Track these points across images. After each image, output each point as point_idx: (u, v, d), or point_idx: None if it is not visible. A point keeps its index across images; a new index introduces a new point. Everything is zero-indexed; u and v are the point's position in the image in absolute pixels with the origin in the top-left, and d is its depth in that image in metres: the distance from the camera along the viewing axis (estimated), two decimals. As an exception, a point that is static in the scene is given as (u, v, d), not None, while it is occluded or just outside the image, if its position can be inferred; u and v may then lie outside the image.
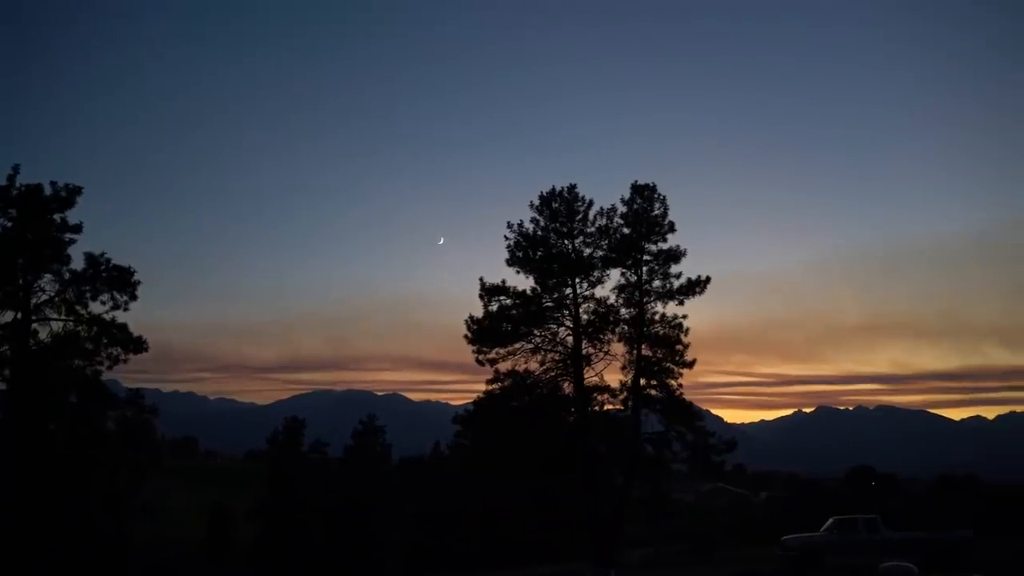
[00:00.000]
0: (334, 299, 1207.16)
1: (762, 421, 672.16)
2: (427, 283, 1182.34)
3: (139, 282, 34.43)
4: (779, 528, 39.01)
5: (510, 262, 35.84)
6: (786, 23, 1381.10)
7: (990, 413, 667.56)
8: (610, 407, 36.20)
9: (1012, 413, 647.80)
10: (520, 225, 35.90)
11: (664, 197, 35.75)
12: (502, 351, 34.98)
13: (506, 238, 35.93)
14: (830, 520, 32.54)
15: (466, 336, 35.30)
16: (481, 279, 35.52)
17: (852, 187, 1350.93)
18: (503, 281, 35.33)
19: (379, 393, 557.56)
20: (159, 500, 48.18)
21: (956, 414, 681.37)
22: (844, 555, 29.36)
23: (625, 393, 35.13)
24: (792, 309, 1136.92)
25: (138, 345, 34.30)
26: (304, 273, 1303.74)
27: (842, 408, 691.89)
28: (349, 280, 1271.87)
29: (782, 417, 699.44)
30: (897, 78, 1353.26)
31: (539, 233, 35.85)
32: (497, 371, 34.99)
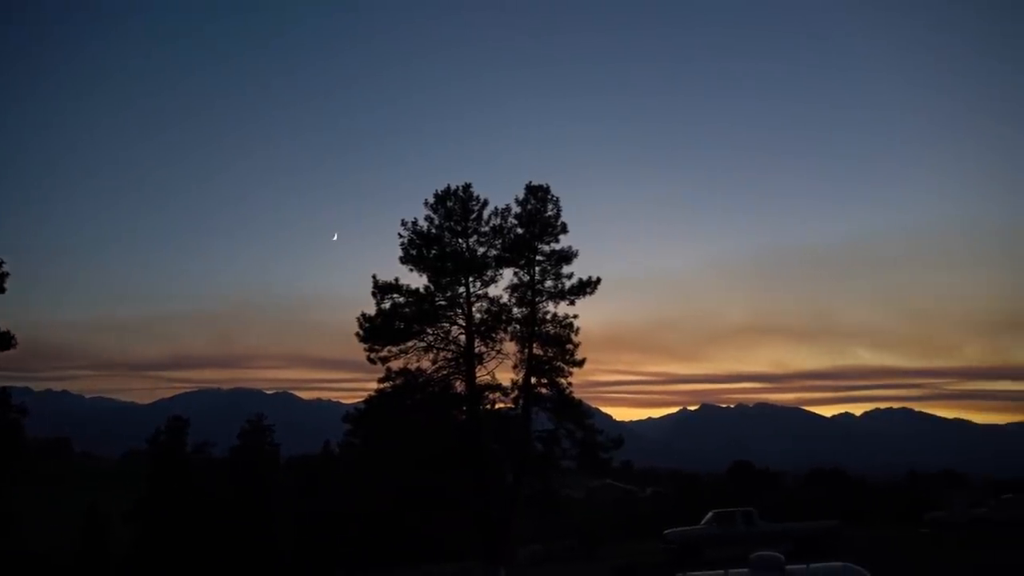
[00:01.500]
0: (223, 296, 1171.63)
1: (649, 419, 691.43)
2: (320, 280, 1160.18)
3: (7, 274, 32.42)
4: (664, 522, 40.32)
5: (404, 260, 35.62)
6: (682, 30, 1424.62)
7: (857, 410, 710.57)
8: (501, 405, 36.53)
9: (877, 410, 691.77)
10: (414, 223, 35.74)
11: (557, 198, 36.33)
12: (394, 349, 34.67)
13: (400, 236, 35.72)
14: (709, 514, 33.92)
15: (358, 334, 34.82)
16: (374, 276, 35.14)
17: (738, 194, 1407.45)
18: (396, 279, 35.03)
19: (268, 392, 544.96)
20: (27, 506, 45.52)
21: (827, 411, 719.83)
22: (723, 547, 30.56)
23: (516, 391, 35.46)
24: (679, 310, 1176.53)
25: (4, 341, 32.29)
26: (192, 269, 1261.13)
27: (724, 406, 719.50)
28: (239, 277, 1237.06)
29: (668, 414, 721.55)
30: (780, 91, 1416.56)
31: (433, 232, 35.76)
32: (389, 369, 34.70)
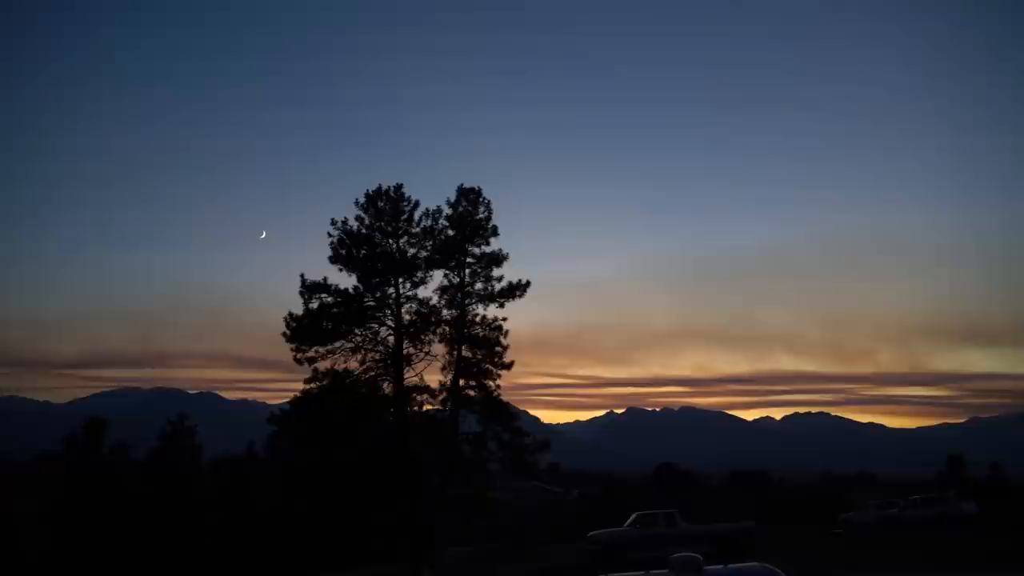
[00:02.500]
0: (145, 293, 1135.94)
1: (577, 421, 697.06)
2: (247, 278, 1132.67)
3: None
4: (591, 524, 40.69)
5: (333, 259, 35.24)
6: (610, 36, 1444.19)
7: (778, 414, 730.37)
8: (429, 407, 36.33)
9: (796, 414, 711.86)
10: (344, 222, 35.41)
11: (489, 201, 36.42)
12: (321, 350, 34.27)
13: (329, 235, 35.33)
14: (633, 515, 34.47)
15: (284, 334, 34.36)
16: (302, 276, 34.71)
17: (666, 201, 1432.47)
18: (325, 279, 34.65)
19: (191, 391, 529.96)
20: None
21: (749, 415, 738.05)
22: (646, 548, 31.03)
23: (444, 394, 35.38)
24: (607, 314, 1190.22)
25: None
26: (113, 265, 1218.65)
27: (650, 409, 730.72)
28: (163, 274, 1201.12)
29: (596, 417, 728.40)
30: (707, 100, 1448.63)
31: (363, 231, 35.47)
32: (316, 370, 34.26)
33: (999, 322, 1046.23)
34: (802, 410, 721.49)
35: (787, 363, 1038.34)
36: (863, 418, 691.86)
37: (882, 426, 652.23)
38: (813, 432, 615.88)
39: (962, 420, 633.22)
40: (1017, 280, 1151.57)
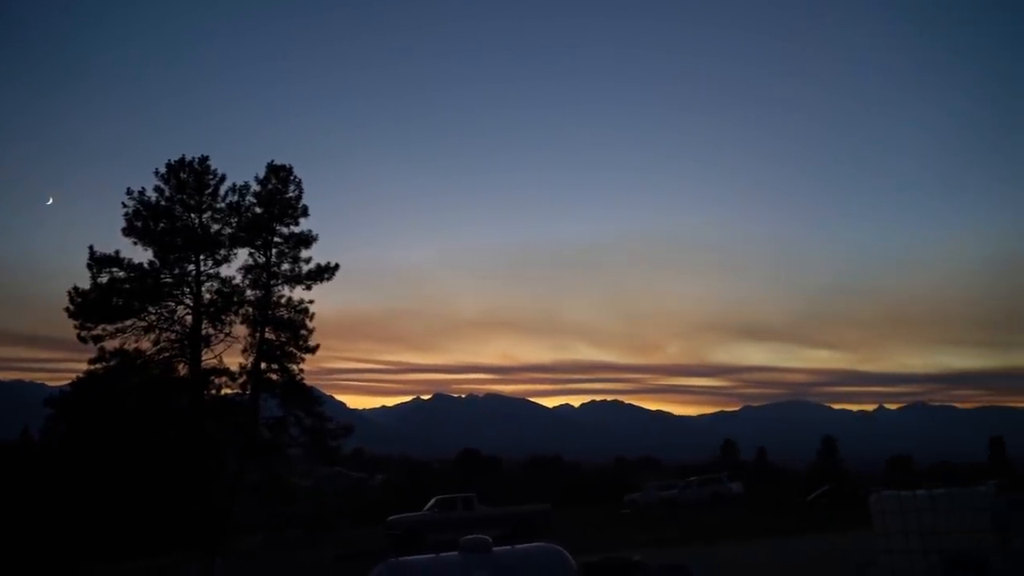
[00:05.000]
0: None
1: (383, 407, 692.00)
2: (29, 247, 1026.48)
3: None
4: (393, 509, 40.94)
5: (127, 232, 33.42)
6: (438, 21, 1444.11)
7: (576, 401, 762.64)
8: (228, 390, 35.28)
9: (592, 402, 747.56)
10: (141, 193, 33.68)
11: (300, 180, 35.84)
12: (110, 328, 32.44)
13: (124, 205, 33.50)
14: (432, 500, 35.16)
15: (68, 309, 32.11)
16: (91, 248, 32.68)
17: (477, 191, 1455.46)
18: (117, 252, 32.87)
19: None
20: None
21: (550, 402, 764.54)
22: (444, 531, 31.67)
23: (245, 377, 34.51)
24: (416, 301, 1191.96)
25: None
26: None
27: (456, 396, 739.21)
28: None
29: (402, 403, 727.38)
30: (531, 94, 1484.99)
31: (163, 204, 33.83)
32: (103, 349, 32.39)
33: (771, 320, 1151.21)
34: (598, 398, 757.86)
35: (586, 353, 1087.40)
36: (652, 406, 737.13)
37: (669, 413, 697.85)
38: (607, 419, 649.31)
39: (736, 408, 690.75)
40: (786, 283, 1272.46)
